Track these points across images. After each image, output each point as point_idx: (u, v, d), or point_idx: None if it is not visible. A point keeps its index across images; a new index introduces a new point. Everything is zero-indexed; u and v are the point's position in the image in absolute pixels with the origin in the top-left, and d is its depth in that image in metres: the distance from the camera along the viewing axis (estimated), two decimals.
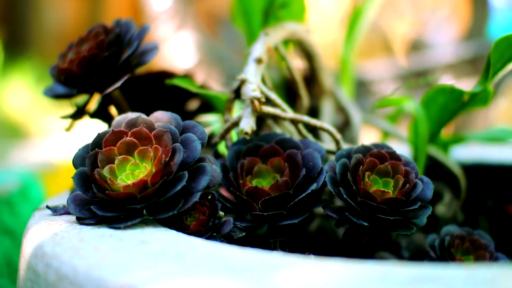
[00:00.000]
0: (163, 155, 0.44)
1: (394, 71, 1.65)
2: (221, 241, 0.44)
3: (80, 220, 0.44)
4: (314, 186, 0.47)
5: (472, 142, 0.73)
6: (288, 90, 0.71)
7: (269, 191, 0.47)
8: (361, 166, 0.48)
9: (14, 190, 0.81)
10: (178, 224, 0.45)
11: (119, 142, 0.46)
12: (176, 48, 1.67)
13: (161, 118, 0.48)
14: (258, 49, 0.57)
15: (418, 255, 0.57)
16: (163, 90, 0.63)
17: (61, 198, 0.53)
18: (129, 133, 0.46)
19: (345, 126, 0.70)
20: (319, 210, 0.57)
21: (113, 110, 0.60)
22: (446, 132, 0.84)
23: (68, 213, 0.47)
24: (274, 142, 0.51)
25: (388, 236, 0.49)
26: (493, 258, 0.51)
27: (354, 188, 0.47)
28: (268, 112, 0.53)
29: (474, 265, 0.50)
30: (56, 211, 0.48)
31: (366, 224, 0.46)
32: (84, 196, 0.45)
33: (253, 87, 0.53)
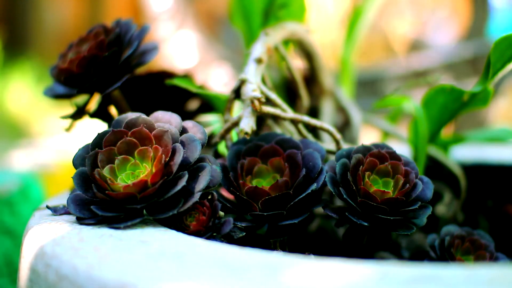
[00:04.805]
0: (163, 155, 0.44)
1: (394, 71, 1.65)
2: (221, 241, 0.44)
3: (80, 220, 0.44)
4: (314, 186, 0.47)
5: (472, 142, 0.73)
6: (288, 90, 0.71)
7: (269, 191, 0.47)
8: (361, 166, 0.48)
9: (14, 190, 0.82)
10: (178, 224, 0.45)
11: (119, 142, 0.46)
12: (176, 48, 1.67)
13: (161, 118, 0.48)
14: (258, 49, 0.57)
15: (418, 255, 0.57)
16: (163, 90, 0.63)
17: (61, 198, 0.53)
18: (129, 133, 0.46)
19: (345, 126, 0.70)
20: (319, 210, 0.57)
21: (113, 110, 0.60)
22: (446, 132, 0.84)
23: (68, 213, 0.47)
24: (274, 142, 0.51)
25: (388, 236, 0.49)
26: (493, 258, 0.51)
27: (354, 188, 0.47)
28: (268, 112, 0.53)
29: (474, 265, 0.50)
30: (56, 211, 0.48)
31: (366, 224, 0.46)
32: (84, 196, 0.45)
33: (253, 87, 0.53)
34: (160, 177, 0.44)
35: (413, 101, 0.63)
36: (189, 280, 0.33)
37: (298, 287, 0.31)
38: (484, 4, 1.83)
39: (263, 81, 0.57)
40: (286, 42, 0.67)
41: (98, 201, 0.44)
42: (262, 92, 0.54)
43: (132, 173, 0.45)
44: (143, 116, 0.47)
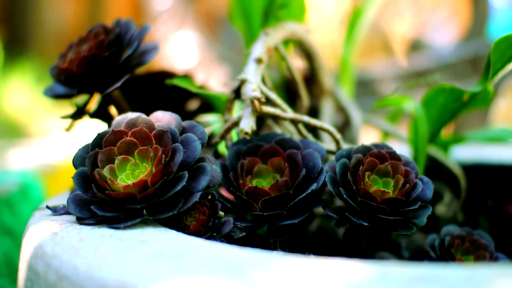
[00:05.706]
0: (163, 155, 0.44)
1: (394, 71, 1.65)
2: (221, 241, 0.44)
3: (80, 220, 0.44)
4: (314, 186, 0.47)
5: (472, 142, 0.73)
6: (288, 90, 0.71)
7: (269, 191, 0.47)
8: (361, 166, 0.48)
9: (14, 190, 0.82)
10: (178, 224, 0.45)
11: (119, 142, 0.46)
12: (176, 48, 1.67)
13: (161, 118, 0.48)
14: (258, 49, 0.57)
15: (418, 255, 0.57)
16: (163, 90, 0.63)
17: (61, 198, 0.53)
18: (129, 133, 0.46)
19: (345, 126, 0.70)
20: (319, 210, 0.57)
21: (113, 110, 0.60)
22: (446, 132, 0.84)
23: (68, 213, 0.47)
24: (274, 142, 0.51)
25: (388, 236, 0.49)
26: (493, 258, 0.51)
27: (354, 188, 0.47)
28: (268, 112, 0.53)
29: (474, 265, 0.50)
30: (56, 211, 0.48)
31: (366, 224, 0.46)
32: (84, 196, 0.45)
33: (253, 87, 0.53)
34: (160, 177, 0.44)
35: (413, 101, 0.63)
36: (189, 280, 0.33)
37: (298, 287, 0.31)
38: (484, 4, 1.83)
39: (263, 81, 0.57)
40: (286, 42, 0.67)
41: (98, 201, 0.44)
42: (262, 92, 0.54)
43: (132, 173, 0.45)
44: (143, 116, 0.47)
